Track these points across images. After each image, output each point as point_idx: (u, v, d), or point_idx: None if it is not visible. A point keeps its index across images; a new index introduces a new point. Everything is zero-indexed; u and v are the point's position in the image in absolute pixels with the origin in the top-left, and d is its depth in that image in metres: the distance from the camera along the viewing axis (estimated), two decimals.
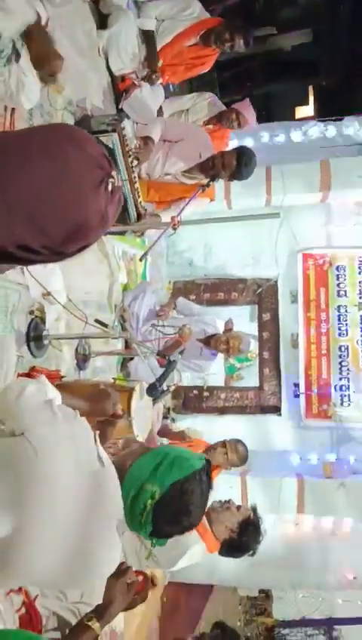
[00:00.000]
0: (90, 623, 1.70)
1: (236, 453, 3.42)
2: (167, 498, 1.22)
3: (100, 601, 1.53)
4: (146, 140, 3.05)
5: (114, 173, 1.22)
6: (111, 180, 1.20)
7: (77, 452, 1.20)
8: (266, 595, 7.76)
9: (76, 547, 1.15)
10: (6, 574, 1.16)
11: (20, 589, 2.04)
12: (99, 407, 1.87)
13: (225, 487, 4.00)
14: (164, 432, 3.89)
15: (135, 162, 2.91)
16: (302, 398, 4.77)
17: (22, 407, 1.27)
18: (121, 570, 1.66)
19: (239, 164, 3.21)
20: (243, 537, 2.59)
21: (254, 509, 2.68)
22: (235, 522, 2.62)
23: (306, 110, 7.94)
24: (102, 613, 1.75)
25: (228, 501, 2.74)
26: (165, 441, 3.75)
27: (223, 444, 3.47)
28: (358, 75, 6.91)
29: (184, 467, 1.24)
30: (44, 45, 1.95)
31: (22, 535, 1.11)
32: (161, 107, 3.77)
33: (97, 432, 1.29)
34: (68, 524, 1.14)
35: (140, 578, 2.33)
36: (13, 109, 2.26)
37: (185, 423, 4.73)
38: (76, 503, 1.15)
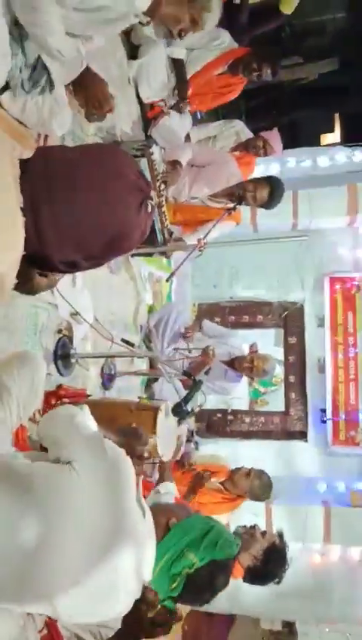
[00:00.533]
0: None
1: (259, 480, 3.33)
2: (202, 572, 1.27)
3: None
4: (174, 163, 3.12)
5: (152, 193, 1.29)
6: (150, 201, 1.27)
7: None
8: (290, 630, 7.47)
9: (98, 582, 1.14)
10: (28, 593, 1.15)
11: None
12: (129, 445, 1.87)
13: (249, 514, 3.92)
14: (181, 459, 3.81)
15: (163, 186, 2.97)
16: (329, 423, 4.68)
17: (72, 437, 1.27)
18: (149, 602, 1.65)
19: (271, 199, 3.27)
20: (267, 565, 2.52)
21: (280, 535, 2.61)
22: (260, 549, 2.56)
23: (332, 138, 7.98)
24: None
25: (254, 527, 2.67)
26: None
27: (248, 471, 3.40)
28: None
29: (226, 550, 1.30)
30: (99, 87, 2.02)
31: (46, 552, 1.11)
32: (188, 134, 3.86)
33: (141, 477, 1.30)
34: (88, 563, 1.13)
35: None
36: (46, 136, 2.36)
37: (208, 447, 4.68)
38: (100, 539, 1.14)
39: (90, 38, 1.97)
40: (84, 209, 1.24)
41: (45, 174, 1.24)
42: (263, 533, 2.62)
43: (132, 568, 1.21)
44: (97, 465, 1.20)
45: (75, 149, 1.44)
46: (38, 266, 1.30)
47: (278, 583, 2.56)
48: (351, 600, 4.07)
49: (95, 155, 1.34)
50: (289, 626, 7.35)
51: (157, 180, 2.91)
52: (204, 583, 1.27)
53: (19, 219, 1.15)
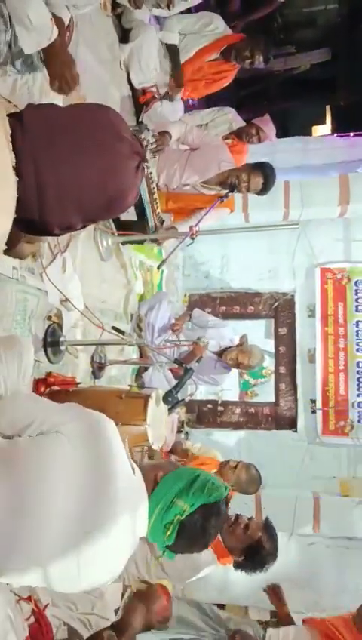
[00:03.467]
0: None
1: (246, 473, 3.27)
2: (194, 517, 1.27)
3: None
4: (163, 133, 3.06)
5: (146, 155, 1.29)
6: (145, 164, 1.27)
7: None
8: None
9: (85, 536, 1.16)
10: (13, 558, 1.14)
11: (30, 597, 2.02)
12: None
13: (239, 503, 3.92)
14: (174, 449, 3.82)
15: (153, 172, 2.93)
16: (319, 414, 4.69)
17: (48, 410, 1.29)
18: (149, 595, 1.65)
19: (264, 187, 3.25)
20: (255, 555, 2.51)
21: (267, 522, 2.60)
22: (247, 538, 2.54)
23: (323, 129, 7.98)
24: (120, 633, 1.74)
25: (238, 516, 2.64)
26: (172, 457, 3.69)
27: (236, 464, 3.36)
28: None
29: (214, 493, 1.30)
30: (66, 65, 1.99)
31: (38, 516, 1.12)
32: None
33: (127, 437, 1.32)
34: (74, 520, 1.15)
35: (165, 603, 2.28)
36: None
37: (199, 437, 4.67)
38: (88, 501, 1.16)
39: (76, 6, 1.95)
40: (89, 170, 1.23)
41: (47, 134, 1.22)
42: (249, 522, 2.56)
43: (127, 527, 1.22)
44: (81, 427, 1.22)
45: (68, 108, 1.40)
46: (33, 231, 1.28)
47: (265, 571, 2.55)
48: (339, 588, 4.10)
49: (93, 116, 1.32)
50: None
51: (149, 174, 2.86)
52: (197, 527, 1.28)
53: (11, 180, 1.12)
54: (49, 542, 1.12)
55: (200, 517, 1.27)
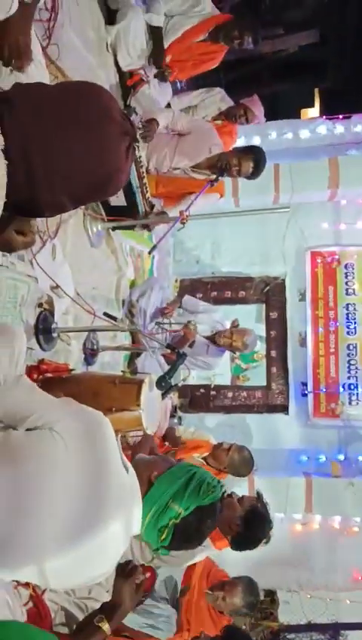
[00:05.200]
0: (100, 624, 1.69)
1: (238, 455, 3.30)
2: (189, 520, 1.28)
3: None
4: (151, 120, 3.03)
5: (137, 135, 1.27)
6: (136, 144, 1.25)
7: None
8: (272, 599, 7.69)
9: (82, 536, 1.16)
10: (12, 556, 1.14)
11: (28, 583, 2.03)
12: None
13: (232, 485, 3.97)
14: (167, 435, 3.84)
15: (143, 155, 2.89)
16: (310, 396, 4.74)
17: (43, 404, 1.28)
18: (130, 571, 1.66)
19: (255, 170, 3.23)
20: (250, 531, 2.54)
21: (259, 496, 2.63)
22: (238, 517, 2.58)
23: (312, 112, 7.93)
24: (111, 614, 1.75)
25: (231, 494, 2.67)
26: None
27: (229, 446, 3.39)
28: None
29: (210, 494, 1.30)
30: (22, 37, 1.82)
31: (34, 515, 1.11)
32: (168, 104, 3.77)
33: (120, 436, 1.31)
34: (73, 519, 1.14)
35: (148, 574, 2.31)
36: None
37: (192, 422, 4.70)
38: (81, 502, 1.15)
39: None
40: (79, 150, 1.20)
41: (35, 114, 1.19)
42: (241, 500, 2.62)
43: (121, 527, 1.23)
44: (77, 426, 1.21)
45: (57, 87, 1.37)
46: (23, 212, 1.25)
47: (267, 542, 2.59)
48: (331, 567, 4.19)
49: (83, 95, 1.29)
50: (271, 595, 7.57)
51: (138, 159, 2.82)
52: (192, 530, 1.29)
53: (1, 163, 1.10)
54: (44, 540, 1.12)
55: (196, 519, 1.27)
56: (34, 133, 1.17)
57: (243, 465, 3.30)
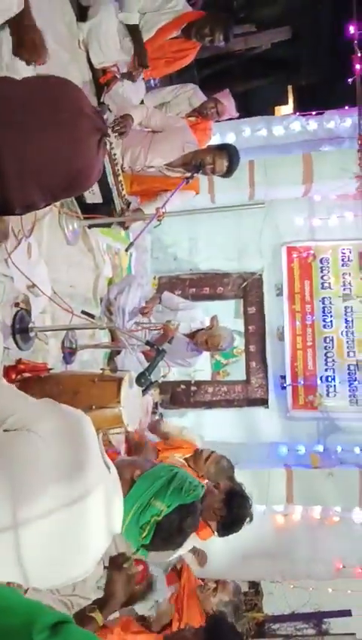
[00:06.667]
0: (92, 614, 1.71)
1: (215, 467, 3.26)
2: (171, 517, 1.28)
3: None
4: (126, 116, 3.01)
5: (108, 130, 1.26)
6: (107, 138, 1.25)
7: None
8: (256, 590, 7.78)
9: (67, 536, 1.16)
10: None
11: (9, 582, 2.02)
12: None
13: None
14: (153, 428, 3.86)
15: (117, 153, 2.89)
16: (289, 389, 4.81)
17: (21, 404, 1.27)
18: (122, 563, 1.67)
19: (229, 168, 3.25)
20: (233, 511, 2.60)
21: (231, 478, 2.70)
22: (219, 502, 2.64)
23: (285, 110, 8.01)
24: (104, 604, 1.76)
25: (206, 482, 2.74)
26: (153, 437, 3.72)
27: (208, 455, 3.36)
28: (337, 73, 6.99)
29: (191, 493, 1.31)
30: (32, 34, 1.88)
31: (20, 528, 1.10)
32: (142, 101, 3.77)
33: (101, 434, 1.31)
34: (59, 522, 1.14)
35: (140, 568, 2.33)
36: None
37: (173, 418, 4.72)
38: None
39: None
40: (49, 146, 1.19)
41: (4, 110, 1.18)
42: (216, 485, 2.69)
43: (103, 524, 1.22)
44: (57, 425, 1.21)
45: (24, 81, 1.35)
46: None
47: (251, 521, 2.65)
48: (313, 557, 4.25)
49: (53, 90, 1.28)
50: (255, 587, 7.66)
51: (112, 148, 2.83)
52: (173, 528, 1.29)
53: None
54: (25, 540, 1.11)
55: (177, 517, 1.28)
56: (3, 129, 1.16)
57: (220, 475, 3.28)
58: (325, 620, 7.28)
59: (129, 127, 2.97)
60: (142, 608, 2.60)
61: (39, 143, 1.18)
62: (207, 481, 2.79)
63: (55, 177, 1.23)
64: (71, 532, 1.16)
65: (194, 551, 3.20)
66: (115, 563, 1.63)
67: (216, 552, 3.69)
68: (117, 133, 2.79)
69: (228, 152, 3.30)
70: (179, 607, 2.81)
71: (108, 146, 1.26)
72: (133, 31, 3.37)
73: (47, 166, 1.20)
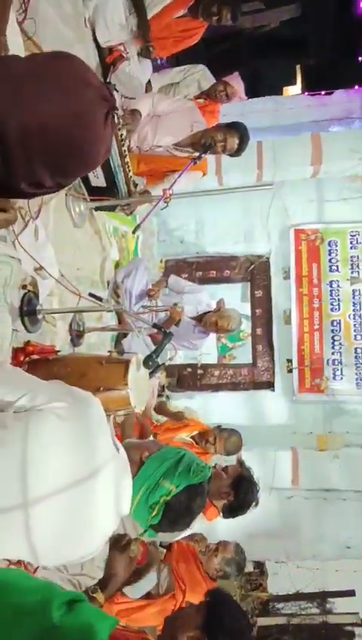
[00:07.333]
0: (94, 595, 1.74)
1: (225, 442, 3.36)
2: (180, 498, 1.30)
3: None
4: (133, 111, 3.00)
5: (117, 103, 1.22)
6: (115, 112, 1.21)
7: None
8: (261, 570, 7.89)
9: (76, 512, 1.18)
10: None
11: (20, 561, 2.06)
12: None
13: (220, 461, 4.04)
14: (161, 410, 3.89)
15: (124, 133, 2.86)
16: (295, 373, 4.81)
17: (31, 385, 1.29)
18: (124, 544, 1.70)
19: (240, 147, 3.22)
20: (240, 497, 2.63)
21: (241, 463, 2.72)
22: (227, 486, 2.67)
23: (294, 90, 7.87)
24: (105, 585, 1.79)
25: (214, 466, 2.77)
26: (162, 418, 3.76)
27: (216, 430, 3.41)
28: (345, 52, 6.84)
29: (200, 474, 1.33)
30: None
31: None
32: (149, 81, 3.71)
33: (112, 417, 1.33)
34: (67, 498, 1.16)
35: (141, 549, 2.37)
36: None
37: (180, 401, 4.75)
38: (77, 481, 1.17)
39: None
40: (54, 116, 1.15)
41: (8, 82, 1.15)
42: (225, 469, 2.72)
43: (111, 503, 1.24)
44: (67, 406, 1.22)
45: (30, 57, 1.32)
46: (2, 192, 1.22)
47: (256, 505, 2.69)
48: (318, 537, 4.30)
49: (57, 62, 1.24)
50: (260, 567, 7.77)
51: (119, 129, 2.80)
52: (182, 507, 1.31)
53: None
54: (35, 518, 1.14)
55: (186, 497, 1.30)
56: (6, 101, 1.13)
57: (231, 449, 3.38)
58: (329, 599, 7.39)
59: (137, 122, 2.95)
60: (143, 587, 2.64)
61: (42, 112, 1.14)
62: (215, 463, 2.82)
63: (59, 148, 1.18)
64: (80, 510, 1.18)
65: (192, 538, 3.23)
66: (117, 543, 1.66)
67: (221, 530, 3.74)
68: (126, 130, 2.77)
69: (239, 129, 3.26)
70: (177, 577, 2.84)
71: (116, 120, 1.21)
72: (138, 5, 3.31)
73: (50, 136, 1.16)
